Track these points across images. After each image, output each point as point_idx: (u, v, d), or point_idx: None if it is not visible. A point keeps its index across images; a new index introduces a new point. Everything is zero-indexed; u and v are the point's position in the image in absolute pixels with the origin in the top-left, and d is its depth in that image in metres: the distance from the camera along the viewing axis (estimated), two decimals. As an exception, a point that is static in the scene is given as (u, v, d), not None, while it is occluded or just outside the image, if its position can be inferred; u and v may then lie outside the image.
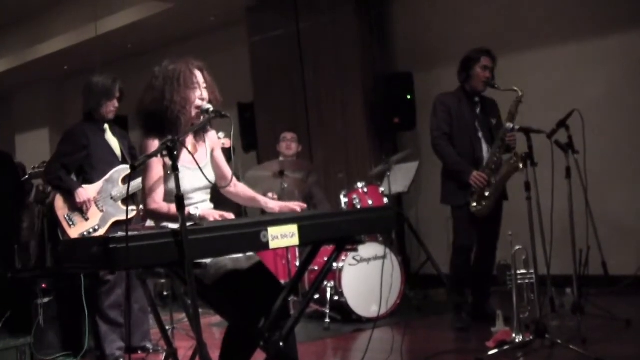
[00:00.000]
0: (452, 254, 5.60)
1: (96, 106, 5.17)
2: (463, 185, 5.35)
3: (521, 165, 5.12)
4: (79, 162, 5.15)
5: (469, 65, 5.52)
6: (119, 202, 5.12)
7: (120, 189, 5.13)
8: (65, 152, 5.17)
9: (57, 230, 5.16)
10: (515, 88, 5.27)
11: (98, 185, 5.12)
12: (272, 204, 3.51)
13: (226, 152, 5.33)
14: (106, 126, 5.27)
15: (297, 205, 3.45)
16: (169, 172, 3.22)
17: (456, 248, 5.56)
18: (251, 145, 8.90)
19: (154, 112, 3.30)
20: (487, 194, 5.29)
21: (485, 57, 5.49)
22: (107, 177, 5.14)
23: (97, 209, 5.08)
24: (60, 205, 5.08)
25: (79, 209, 5.04)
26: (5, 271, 5.83)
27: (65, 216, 5.07)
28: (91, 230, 5.03)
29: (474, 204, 5.31)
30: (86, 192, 5.05)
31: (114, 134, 5.30)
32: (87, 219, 5.06)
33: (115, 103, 5.20)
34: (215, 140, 3.60)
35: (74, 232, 5.02)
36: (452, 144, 5.48)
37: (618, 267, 5.91)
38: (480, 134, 5.50)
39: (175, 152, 2.96)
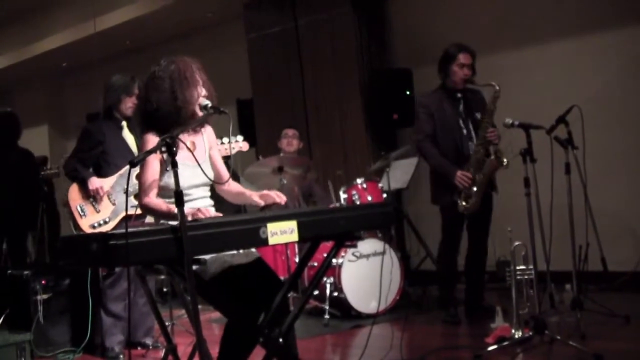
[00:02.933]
0: (438, 253, 5.65)
1: (116, 102, 5.29)
2: (449, 186, 5.35)
3: (505, 161, 5.13)
4: (95, 158, 5.28)
5: (447, 63, 5.51)
6: (132, 197, 5.16)
7: (133, 185, 5.16)
8: (82, 149, 5.32)
9: (68, 223, 5.26)
10: (493, 83, 5.27)
11: (112, 179, 5.22)
12: (255, 197, 3.48)
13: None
14: (124, 123, 5.36)
15: (275, 195, 3.44)
16: (167, 169, 3.23)
17: (442, 247, 5.62)
18: (250, 142, 8.86)
19: (165, 112, 3.32)
20: (473, 191, 5.30)
21: (462, 54, 5.45)
22: (121, 171, 5.22)
23: (109, 201, 5.18)
24: (74, 195, 5.20)
25: (92, 199, 5.15)
26: (7, 266, 5.87)
27: (78, 207, 5.17)
28: (102, 222, 5.13)
29: (463, 203, 5.32)
30: (99, 180, 5.18)
31: (131, 131, 5.39)
32: (98, 211, 5.16)
33: (134, 100, 5.28)
34: (213, 138, 3.61)
35: (85, 223, 5.13)
36: (437, 144, 5.47)
37: (617, 263, 5.91)
38: (464, 132, 5.47)
39: (174, 148, 2.97)
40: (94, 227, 5.10)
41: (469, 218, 5.52)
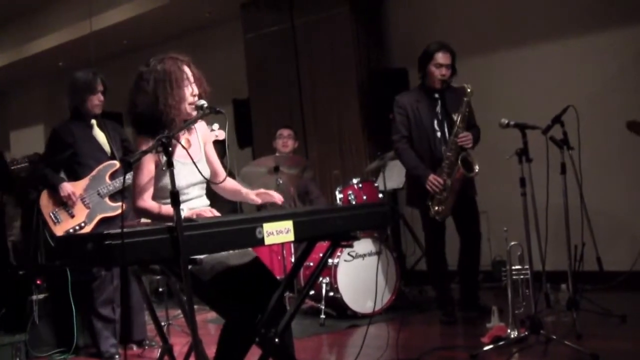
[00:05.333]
0: (425, 256, 5.66)
1: (80, 102, 5.17)
2: (422, 190, 5.32)
3: (476, 169, 5.12)
4: (67, 160, 5.15)
5: (424, 63, 5.45)
6: (106, 199, 5.11)
7: (107, 185, 5.11)
8: (51, 153, 5.20)
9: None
10: (465, 85, 5.23)
11: (84, 181, 5.11)
12: (252, 195, 3.50)
13: (221, 147, 5.29)
14: (93, 122, 5.25)
15: (272, 193, 3.46)
16: (163, 168, 3.22)
17: (426, 252, 5.68)
18: (246, 142, 8.89)
19: (148, 115, 3.28)
20: (444, 197, 5.29)
21: (439, 54, 5.38)
22: (93, 173, 5.12)
23: (83, 205, 5.08)
24: (45, 202, 5.09)
25: (64, 205, 5.05)
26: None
27: (51, 214, 5.07)
28: (77, 228, 5.02)
29: (435, 208, 5.31)
30: (70, 186, 5.05)
31: (102, 129, 5.28)
32: (72, 216, 5.05)
33: (100, 97, 5.19)
34: (207, 133, 3.59)
35: (59, 230, 5.02)
36: (412, 146, 5.45)
37: (613, 263, 5.91)
38: (438, 134, 5.41)
39: (170, 148, 2.96)
40: (69, 233, 4.98)
41: (457, 221, 5.52)
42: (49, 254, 6.27)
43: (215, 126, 4.24)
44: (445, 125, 5.42)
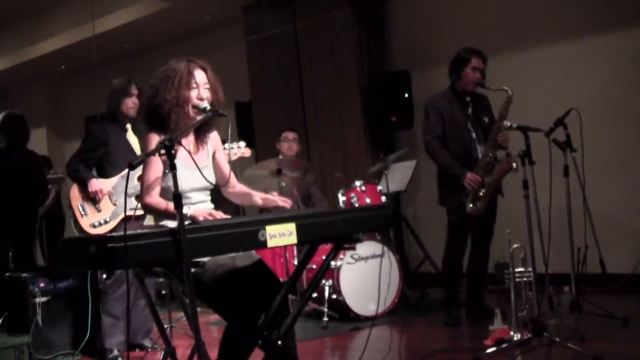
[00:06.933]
0: (444, 255, 5.65)
1: (116, 104, 5.40)
2: (457, 188, 5.37)
3: (514, 165, 5.15)
4: (98, 158, 5.36)
5: (459, 66, 5.55)
6: (132, 199, 5.21)
7: (135, 186, 5.20)
8: (86, 149, 5.41)
9: (63, 225, 5.28)
10: (505, 88, 5.28)
11: (114, 180, 5.28)
12: (256, 197, 3.52)
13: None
14: (128, 125, 5.46)
15: (278, 199, 3.47)
16: (167, 171, 3.23)
17: (448, 250, 5.63)
18: (249, 144, 8.84)
19: (149, 108, 3.39)
20: (481, 194, 5.32)
21: (475, 58, 5.51)
22: (123, 173, 5.25)
23: (110, 202, 5.24)
24: (75, 194, 5.29)
25: (93, 199, 5.22)
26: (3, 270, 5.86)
27: (79, 206, 5.25)
28: (102, 222, 5.20)
29: (470, 205, 5.32)
30: (99, 182, 5.24)
31: (136, 133, 5.48)
32: (99, 211, 5.23)
33: (135, 100, 5.39)
34: (217, 141, 3.59)
35: (85, 222, 5.21)
36: (445, 146, 5.51)
37: (616, 265, 5.91)
38: (473, 135, 5.53)
39: (173, 151, 2.96)
40: (94, 226, 5.18)
41: (475, 221, 5.53)
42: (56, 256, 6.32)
43: (242, 144, 4.34)
44: (478, 127, 5.54)
